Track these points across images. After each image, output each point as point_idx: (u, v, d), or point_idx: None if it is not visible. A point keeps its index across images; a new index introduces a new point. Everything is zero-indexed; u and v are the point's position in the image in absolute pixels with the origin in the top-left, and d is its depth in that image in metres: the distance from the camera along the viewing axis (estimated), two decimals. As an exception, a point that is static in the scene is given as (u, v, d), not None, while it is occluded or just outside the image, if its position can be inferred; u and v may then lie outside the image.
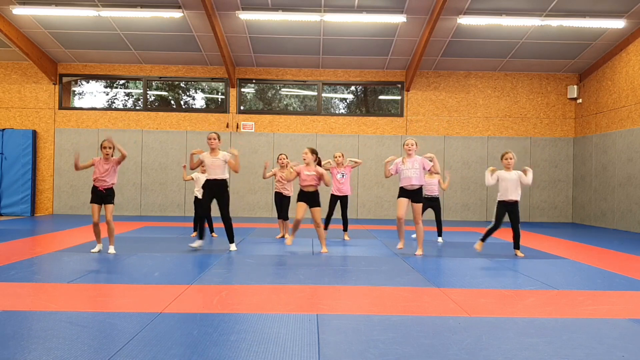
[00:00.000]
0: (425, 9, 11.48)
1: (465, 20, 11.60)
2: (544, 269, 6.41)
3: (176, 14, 11.59)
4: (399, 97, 14.69)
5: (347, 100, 15.57)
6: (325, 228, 9.07)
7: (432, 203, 8.82)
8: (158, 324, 3.79)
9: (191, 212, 14.01)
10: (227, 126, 14.24)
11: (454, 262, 6.91)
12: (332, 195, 8.97)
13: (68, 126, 14.23)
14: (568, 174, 14.48)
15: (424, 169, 7.23)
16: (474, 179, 14.28)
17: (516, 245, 7.55)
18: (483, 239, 7.62)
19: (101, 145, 7.09)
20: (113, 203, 7.15)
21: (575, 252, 8.17)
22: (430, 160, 7.28)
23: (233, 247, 7.55)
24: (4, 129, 13.87)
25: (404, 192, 7.27)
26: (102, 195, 7.06)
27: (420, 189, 7.30)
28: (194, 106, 15.21)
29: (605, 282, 5.66)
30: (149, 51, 13.58)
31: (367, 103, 15.50)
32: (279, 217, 9.17)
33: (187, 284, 5.21)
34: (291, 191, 9.02)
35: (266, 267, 6.37)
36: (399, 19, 11.55)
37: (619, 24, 11.50)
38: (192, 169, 7.74)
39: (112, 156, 7.10)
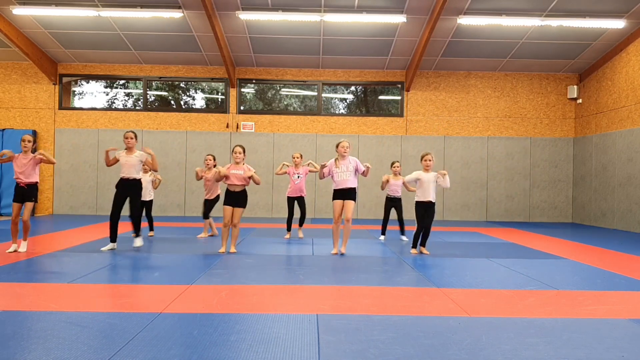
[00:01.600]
0: (425, 9, 11.49)
1: (465, 21, 11.60)
2: (544, 269, 6.41)
3: (176, 14, 11.59)
4: (399, 97, 14.69)
5: (347, 101, 15.57)
6: (289, 229, 9.22)
7: (395, 203, 9.00)
8: (158, 324, 3.79)
9: (191, 212, 14.07)
10: (227, 126, 14.24)
11: (454, 262, 6.91)
12: (288, 197, 9.16)
13: (68, 126, 14.23)
14: (568, 174, 14.48)
15: (356, 171, 7.32)
16: (474, 179, 14.28)
17: (423, 243, 7.62)
18: (414, 245, 7.67)
19: (21, 138, 7.11)
20: (33, 201, 7.05)
21: (575, 252, 8.17)
22: (365, 168, 7.37)
23: (139, 241, 7.48)
24: (4, 129, 13.87)
25: (338, 194, 7.31)
26: (23, 192, 7.01)
27: (353, 189, 7.31)
28: (194, 106, 15.21)
29: (605, 282, 5.66)
30: (149, 51, 13.58)
31: (367, 103, 15.50)
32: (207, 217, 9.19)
33: (187, 284, 5.21)
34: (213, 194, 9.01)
35: (266, 267, 6.37)
36: (399, 19, 11.55)
37: (619, 24, 11.50)
38: (108, 166, 7.48)
39: (33, 152, 7.10)
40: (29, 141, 7.07)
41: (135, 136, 7.45)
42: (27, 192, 7.02)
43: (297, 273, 5.95)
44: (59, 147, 14.12)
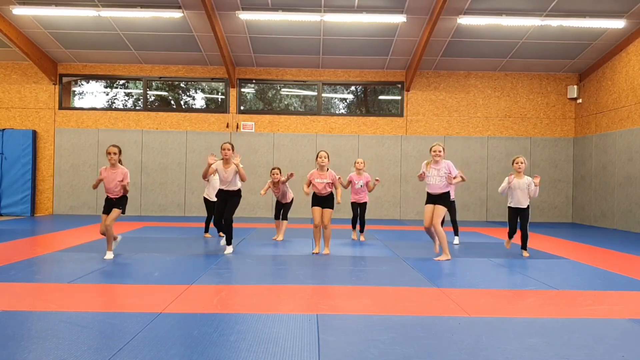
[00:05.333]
0: (425, 9, 11.48)
1: (465, 20, 11.60)
2: (544, 269, 6.41)
3: (176, 14, 11.59)
4: (399, 97, 14.69)
5: (347, 101, 15.57)
6: (354, 228, 9.29)
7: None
8: (158, 324, 3.79)
9: (191, 212, 14.07)
10: (227, 126, 14.24)
11: (454, 262, 6.90)
12: (352, 203, 9.07)
13: (68, 126, 14.23)
14: (568, 174, 14.47)
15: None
16: (474, 179, 14.27)
17: (524, 246, 7.60)
18: (510, 237, 7.74)
19: (106, 151, 6.74)
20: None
21: (575, 252, 8.17)
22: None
23: (230, 249, 7.37)
24: (4, 129, 13.87)
25: (429, 198, 7.19)
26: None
27: (445, 194, 7.04)
28: (194, 106, 15.21)
29: (605, 282, 5.66)
30: (149, 51, 13.58)
31: (367, 103, 15.50)
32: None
33: (187, 284, 5.21)
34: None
35: (266, 267, 6.37)
36: (399, 19, 11.55)
37: (619, 24, 11.49)
38: (205, 176, 7.35)
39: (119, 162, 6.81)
40: (115, 154, 6.72)
41: (233, 148, 7.26)
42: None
43: (297, 273, 5.95)
44: (59, 147, 14.12)
